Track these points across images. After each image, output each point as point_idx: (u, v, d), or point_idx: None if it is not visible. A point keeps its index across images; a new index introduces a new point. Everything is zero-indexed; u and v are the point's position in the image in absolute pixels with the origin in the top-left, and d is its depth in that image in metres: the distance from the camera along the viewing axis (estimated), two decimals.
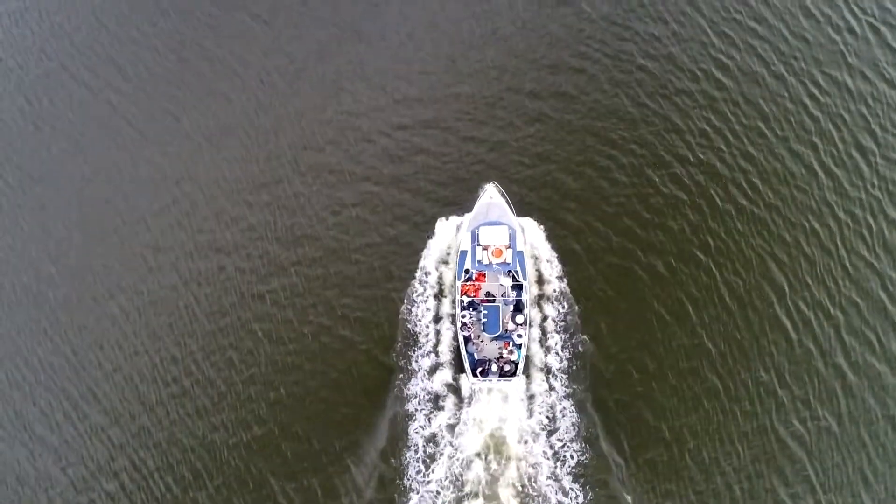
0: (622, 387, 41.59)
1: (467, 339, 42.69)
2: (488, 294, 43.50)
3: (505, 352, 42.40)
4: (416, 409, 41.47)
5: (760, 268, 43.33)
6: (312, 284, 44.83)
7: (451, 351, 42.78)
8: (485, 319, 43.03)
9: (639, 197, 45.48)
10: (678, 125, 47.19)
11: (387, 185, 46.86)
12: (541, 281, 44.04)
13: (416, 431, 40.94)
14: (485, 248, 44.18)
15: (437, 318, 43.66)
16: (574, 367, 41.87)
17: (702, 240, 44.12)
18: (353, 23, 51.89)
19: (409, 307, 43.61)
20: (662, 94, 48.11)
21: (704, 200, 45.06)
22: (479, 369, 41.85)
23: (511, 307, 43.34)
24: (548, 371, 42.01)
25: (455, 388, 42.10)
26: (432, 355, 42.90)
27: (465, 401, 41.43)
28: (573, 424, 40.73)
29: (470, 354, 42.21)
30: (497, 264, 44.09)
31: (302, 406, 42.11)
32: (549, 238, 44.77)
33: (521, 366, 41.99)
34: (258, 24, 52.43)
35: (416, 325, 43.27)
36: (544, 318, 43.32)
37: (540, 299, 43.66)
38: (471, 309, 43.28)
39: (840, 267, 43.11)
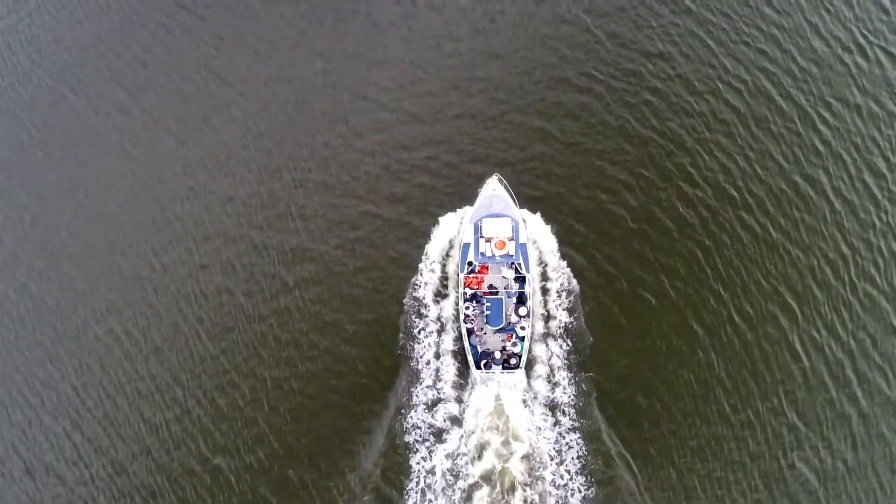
0: (630, 419, 41.21)
1: (470, 332, 42.83)
2: (491, 286, 43.66)
3: (508, 344, 42.46)
4: (417, 441, 41.14)
5: (772, 295, 42.87)
6: (314, 308, 44.56)
7: (453, 387, 42.42)
8: (488, 312, 43.10)
9: (648, 222, 45.15)
10: (688, 149, 46.96)
11: (389, 206, 46.73)
12: (548, 317, 43.65)
13: (417, 463, 40.75)
14: (488, 240, 44.32)
15: (438, 355, 43.10)
16: (580, 404, 41.40)
17: (713, 266, 43.75)
18: (356, 46, 52.02)
19: (410, 342, 43.30)
20: (672, 117, 47.91)
21: (715, 226, 44.71)
22: (483, 362, 41.80)
23: (514, 299, 43.45)
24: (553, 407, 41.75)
25: (457, 420, 41.58)
26: (432, 390, 42.43)
27: (466, 432, 40.95)
28: (578, 457, 40.42)
29: (473, 347, 42.29)
30: (500, 256, 44.17)
31: (305, 430, 41.86)
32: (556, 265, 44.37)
33: (524, 358, 42.10)
34: (262, 46, 52.54)
35: (417, 362, 42.84)
36: (550, 356, 42.84)
37: (546, 337, 43.33)
38: (474, 301, 43.34)
39: (852, 295, 42.64)
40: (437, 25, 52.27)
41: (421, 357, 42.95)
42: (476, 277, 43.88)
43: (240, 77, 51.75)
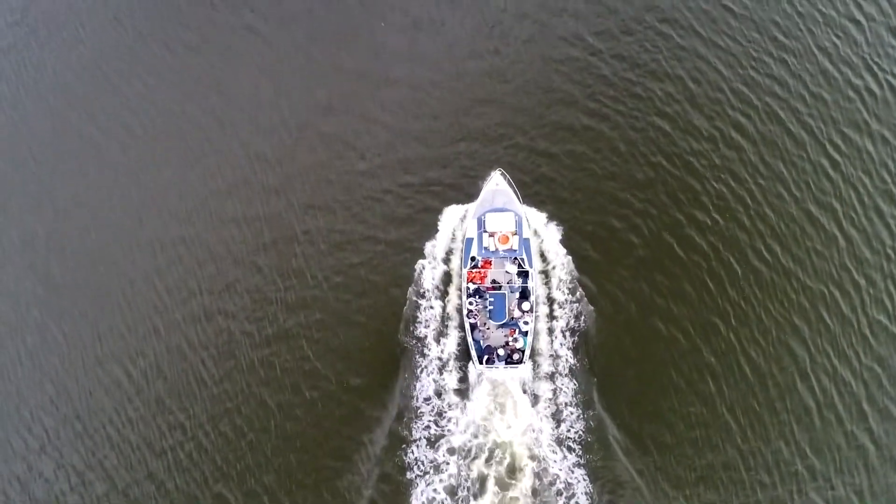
0: (637, 459, 40.75)
1: (473, 327, 43.05)
2: (494, 281, 43.86)
3: (511, 339, 42.57)
4: (418, 475, 40.81)
5: (779, 335, 42.68)
6: (316, 347, 44.15)
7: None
8: (491, 307, 43.27)
9: (654, 260, 44.85)
10: (698, 175, 46.80)
11: (392, 244, 46.29)
12: (556, 356, 43.39)
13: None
14: (491, 235, 44.58)
15: (439, 393, 42.76)
16: (589, 441, 41.25)
17: (719, 305, 43.50)
18: (358, 77, 51.72)
19: (412, 381, 42.97)
20: (681, 143, 47.71)
21: (721, 265, 44.49)
22: (486, 357, 41.89)
23: (517, 294, 43.61)
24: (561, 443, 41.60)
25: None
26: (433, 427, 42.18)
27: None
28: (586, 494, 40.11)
29: (476, 342, 42.55)
30: (504, 251, 44.36)
31: (308, 474, 41.55)
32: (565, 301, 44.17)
33: (527, 353, 42.28)
34: (264, 77, 52.24)
35: (416, 401, 42.38)
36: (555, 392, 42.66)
37: (553, 376, 42.99)
38: (477, 296, 43.47)
39: (860, 335, 42.46)
40: (441, 49, 52.19)
41: (419, 394, 42.62)
42: (479, 272, 44.12)
43: (242, 98, 51.54)
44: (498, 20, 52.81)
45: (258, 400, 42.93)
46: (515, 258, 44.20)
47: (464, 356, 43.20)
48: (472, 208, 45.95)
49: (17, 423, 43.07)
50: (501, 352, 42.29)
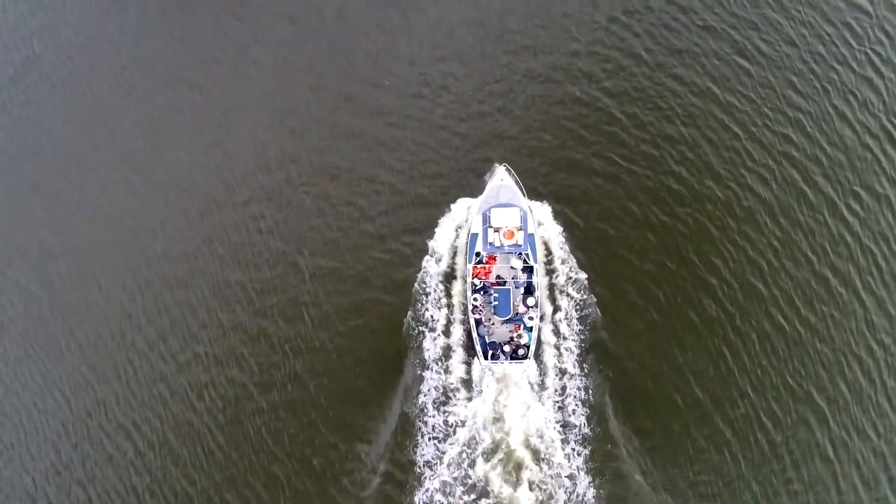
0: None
1: (478, 323, 43.58)
2: (499, 277, 44.56)
3: (515, 335, 43.20)
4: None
5: (801, 395, 42.58)
6: (317, 399, 44.17)
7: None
8: (495, 303, 43.96)
9: (673, 316, 44.79)
10: (713, 238, 46.63)
11: (393, 293, 46.08)
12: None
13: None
14: (496, 230, 45.29)
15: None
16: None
17: (740, 365, 43.42)
18: (362, 125, 51.81)
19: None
20: (696, 206, 47.52)
21: (741, 322, 44.40)
22: (491, 352, 42.42)
23: (522, 290, 44.33)
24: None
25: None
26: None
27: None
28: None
29: (481, 337, 43.28)
30: (509, 246, 44.89)
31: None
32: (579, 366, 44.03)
33: (532, 348, 42.87)
34: (264, 116, 52.54)
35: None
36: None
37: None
38: (482, 292, 44.06)
39: (884, 396, 42.37)
40: (445, 106, 52.16)
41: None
42: (484, 268, 44.79)
43: (243, 152, 51.58)
44: (504, 76, 52.87)
45: (266, 471, 42.88)
46: (520, 253, 44.81)
47: (469, 352, 43.86)
48: (476, 204, 46.45)
49: (21, 493, 42.98)
50: (507, 347, 42.97)
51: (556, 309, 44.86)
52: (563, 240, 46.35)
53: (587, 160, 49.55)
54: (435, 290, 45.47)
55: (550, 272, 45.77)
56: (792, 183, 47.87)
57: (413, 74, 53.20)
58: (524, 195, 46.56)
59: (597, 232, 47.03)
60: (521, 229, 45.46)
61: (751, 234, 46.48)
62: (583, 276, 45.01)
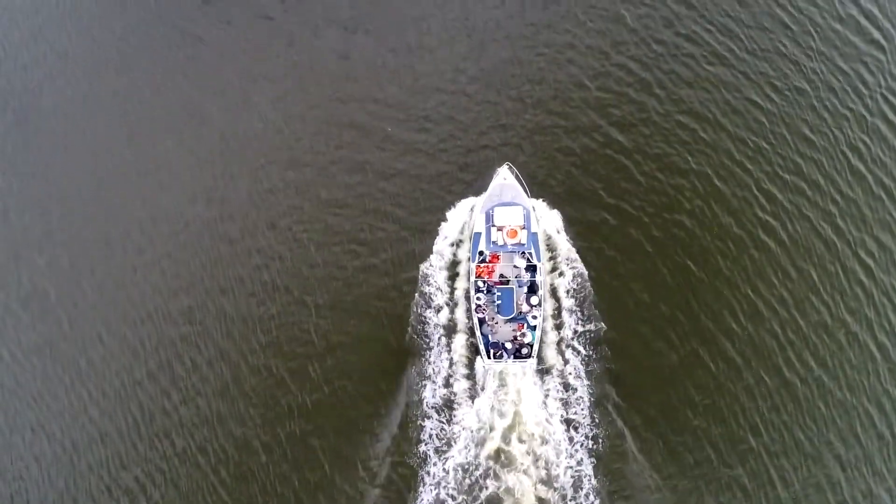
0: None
1: (481, 322, 44.08)
2: (502, 276, 44.95)
3: (519, 334, 43.65)
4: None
5: (813, 453, 42.65)
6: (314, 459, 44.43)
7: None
8: (499, 302, 44.28)
9: (684, 370, 44.66)
10: (723, 292, 46.21)
11: (396, 355, 45.75)
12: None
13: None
14: (499, 229, 45.59)
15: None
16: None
17: (751, 422, 43.53)
18: (365, 159, 51.49)
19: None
20: (706, 258, 47.09)
21: (751, 376, 44.36)
22: (494, 351, 42.82)
23: (525, 289, 44.71)
24: None
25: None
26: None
27: None
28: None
29: (484, 336, 43.70)
30: (512, 245, 45.17)
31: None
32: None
33: (535, 347, 43.42)
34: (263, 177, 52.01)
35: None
36: None
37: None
38: (485, 291, 44.35)
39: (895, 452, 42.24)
40: (448, 140, 51.71)
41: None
42: (487, 267, 45.22)
43: (245, 186, 51.53)
44: (510, 111, 52.30)
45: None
46: (524, 252, 44.99)
47: (472, 351, 44.48)
48: (479, 202, 46.61)
49: None
50: (509, 346, 43.28)
51: (566, 362, 44.87)
52: (574, 288, 46.09)
53: (596, 197, 49.13)
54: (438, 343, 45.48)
55: (558, 327, 45.58)
56: (802, 234, 47.51)
57: (417, 109, 52.57)
58: (527, 194, 46.81)
59: (607, 283, 46.71)
60: (524, 228, 45.78)
61: (762, 282, 46.30)
62: (597, 325, 44.94)
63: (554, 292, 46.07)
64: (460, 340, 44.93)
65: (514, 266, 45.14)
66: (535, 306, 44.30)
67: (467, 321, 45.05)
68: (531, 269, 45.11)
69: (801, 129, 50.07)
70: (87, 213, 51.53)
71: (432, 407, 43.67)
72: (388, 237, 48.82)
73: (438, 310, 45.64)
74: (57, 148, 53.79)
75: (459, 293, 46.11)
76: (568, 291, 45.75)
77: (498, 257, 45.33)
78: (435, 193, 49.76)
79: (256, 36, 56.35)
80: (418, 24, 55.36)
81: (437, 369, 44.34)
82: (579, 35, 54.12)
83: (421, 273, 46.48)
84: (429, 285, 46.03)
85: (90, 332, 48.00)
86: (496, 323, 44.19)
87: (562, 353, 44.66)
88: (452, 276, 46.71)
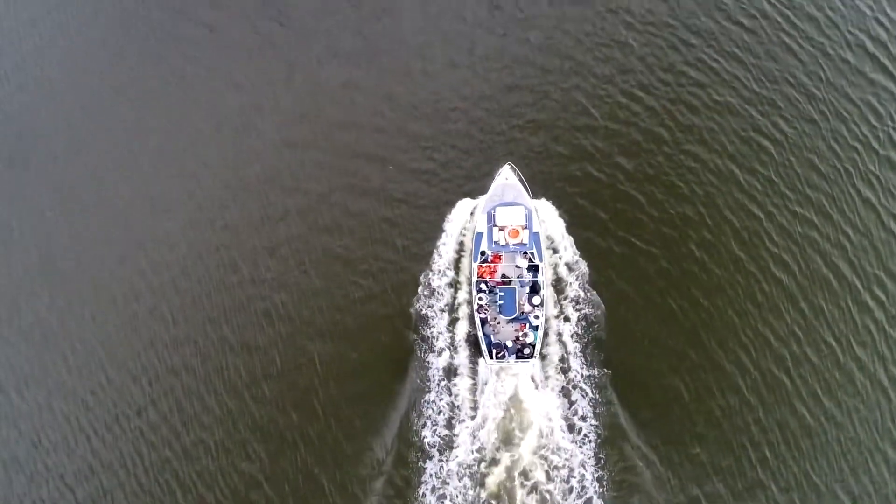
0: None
1: (483, 322, 44.32)
2: (504, 276, 45.13)
3: (521, 334, 43.89)
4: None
5: (825, 490, 42.31)
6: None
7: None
8: (501, 302, 44.40)
9: (695, 405, 44.35)
10: (734, 327, 45.93)
11: (396, 401, 45.29)
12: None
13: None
14: (501, 229, 45.72)
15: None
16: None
17: (761, 458, 43.10)
18: (368, 207, 50.97)
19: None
20: (716, 292, 46.78)
21: (763, 412, 43.99)
22: (496, 352, 42.93)
23: (527, 289, 44.93)
24: None
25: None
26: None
27: None
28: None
29: (487, 336, 43.78)
30: (514, 245, 45.35)
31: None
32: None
33: (538, 347, 43.62)
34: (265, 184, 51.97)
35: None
36: None
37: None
38: (487, 291, 44.66)
39: None
40: (451, 181, 51.42)
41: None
42: (489, 267, 45.37)
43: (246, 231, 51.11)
44: (514, 151, 51.96)
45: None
46: (526, 252, 45.11)
47: (474, 351, 44.74)
48: (481, 202, 46.81)
49: None
50: (511, 345, 43.37)
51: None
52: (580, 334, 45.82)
53: (604, 229, 48.87)
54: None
55: (564, 371, 45.29)
56: (814, 268, 47.26)
57: (420, 138, 52.49)
58: (529, 194, 46.87)
59: (617, 316, 46.38)
60: (526, 228, 45.88)
61: (772, 321, 45.98)
62: (602, 371, 44.68)
63: (560, 335, 45.83)
64: (465, 384, 44.66)
65: (516, 266, 45.40)
66: (538, 306, 44.49)
67: (470, 365, 44.86)
68: (533, 268, 45.38)
69: (811, 162, 49.93)
70: (87, 241, 51.36)
71: (432, 446, 43.36)
72: (390, 266, 48.59)
73: (440, 353, 45.27)
74: (54, 178, 53.77)
75: (459, 336, 45.87)
76: (573, 334, 45.51)
77: (500, 257, 45.58)
78: (437, 224, 49.53)
79: (258, 62, 56.07)
80: (423, 51, 55.21)
81: (437, 409, 44.08)
82: (586, 63, 53.96)
83: (418, 306, 46.38)
84: (429, 327, 45.79)
85: (92, 363, 47.59)
86: (498, 323, 44.37)
87: (568, 393, 44.40)
88: (453, 322, 46.32)
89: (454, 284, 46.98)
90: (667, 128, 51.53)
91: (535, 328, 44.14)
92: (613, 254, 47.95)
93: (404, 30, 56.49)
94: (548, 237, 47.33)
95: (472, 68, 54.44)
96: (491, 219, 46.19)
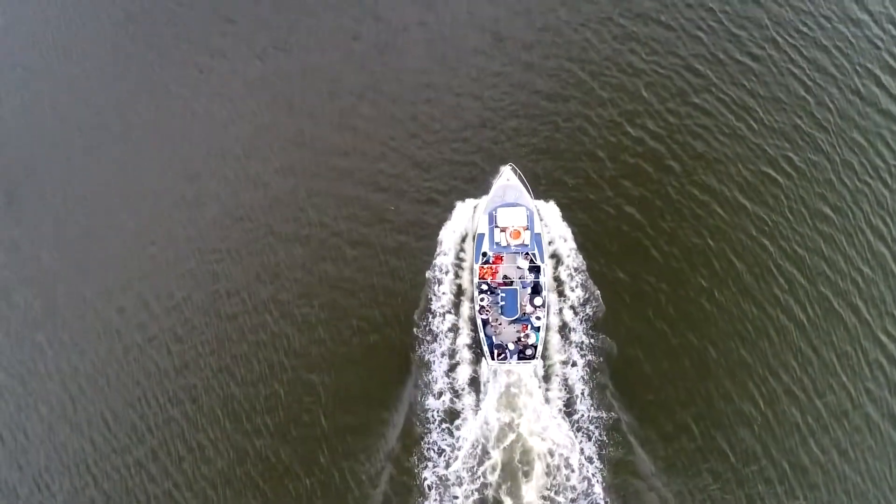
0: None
1: (485, 323, 44.50)
2: (506, 277, 45.43)
3: (523, 335, 44.14)
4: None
5: None
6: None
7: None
8: (502, 303, 44.52)
9: (701, 455, 44.00)
10: (741, 376, 45.53)
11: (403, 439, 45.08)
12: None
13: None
14: (503, 230, 45.89)
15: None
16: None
17: (772, 492, 43.04)
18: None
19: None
20: (722, 339, 46.44)
21: (769, 463, 43.60)
22: (498, 353, 42.91)
23: (529, 290, 45.14)
24: None
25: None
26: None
27: None
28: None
29: (488, 337, 43.96)
30: (515, 246, 45.57)
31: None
32: None
33: (539, 348, 43.84)
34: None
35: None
36: None
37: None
38: (488, 292, 44.72)
39: None
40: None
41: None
42: (491, 268, 45.68)
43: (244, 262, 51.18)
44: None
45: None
46: (527, 253, 45.29)
47: (476, 352, 44.94)
48: (482, 203, 47.03)
49: None
50: (513, 347, 43.48)
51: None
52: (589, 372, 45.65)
53: (610, 273, 48.42)
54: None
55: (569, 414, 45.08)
56: (823, 310, 46.95)
57: (421, 179, 52.49)
58: (530, 195, 47.10)
59: (620, 365, 46.03)
60: (527, 229, 46.20)
61: (780, 365, 45.68)
62: (610, 413, 44.40)
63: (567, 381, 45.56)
64: (469, 427, 44.24)
65: (518, 267, 45.67)
66: (539, 307, 44.80)
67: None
68: (535, 269, 45.72)
69: (818, 205, 49.73)
70: (87, 289, 51.24)
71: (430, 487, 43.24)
72: (393, 313, 48.30)
73: (439, 395, 45.06)
74: (53, 222, 53.97)
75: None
76: (581, 378, 45.10)
77: (501, 258, 45.97)
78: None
79: (258, 102, 56.11)
80: (427, 90, 55.11)
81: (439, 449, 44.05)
82: (591, 104, 53.80)
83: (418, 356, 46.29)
84: (431, 371, 45.62)
85: (93, 413, 47.57)
86: (500, 324, 44.57)
87: (572, 437, 44.03)
88: (453, 366, 46.04)
89: (454, 329, 46.78)
90: (671, 171, 51.46)
91: (537, 329, 44.33)
92: (617, 298, 47.62)
93: (407, 63, 56.67)
94: (537, 208, 47.53)
95: (477, 106, 54.43)
96: (492, 220, 46.52)
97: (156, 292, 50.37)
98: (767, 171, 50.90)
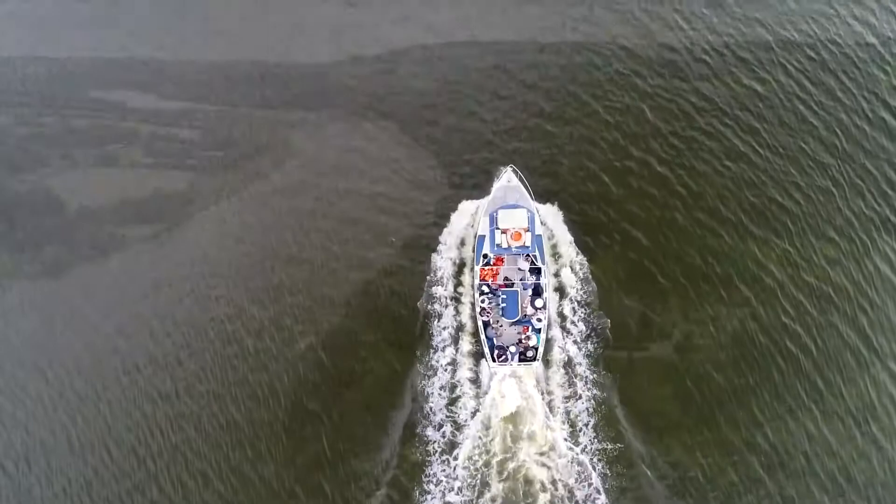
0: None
1: (486, 325, 44.51)
2: (507, 279, 45.51)
3: (524, 337, 44.01)
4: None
5: None
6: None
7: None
8: (503, 304, 44.77)
9: (709, 484, 43.14)
10: (748, 404, 44.96)
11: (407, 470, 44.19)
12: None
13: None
14: (504, 232, 46.31)
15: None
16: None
17: None
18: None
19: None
20: (729, 368, 45.95)
21: (778, 493, 42.63)
22: (499, 355, 43.35)
23: (530, 291, 45.17)
24: None
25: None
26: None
27: None
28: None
29: (489, 339, 43.92)
30: (516, 247, 45.82)
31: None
32: None
33: (540, 350, 43.75)
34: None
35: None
36: None
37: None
38: (489, 294, 44.84)
39: None
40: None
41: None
42: (491, 270, 45.80)
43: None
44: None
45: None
46: (528, 255, 45.52)
47: (477, 354, 44.73)
48: (483, 205, 47.31)
49: None
50: (514, 349, 43.38)
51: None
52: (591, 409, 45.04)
53: (615, 299, 48.15)
54: None
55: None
56: (831, 338, 46.41)
57: (421, 203, 52.65)
58: (531, 196, 47.34)
59: (627, 393, 45.54)
60: (528, 230, 46.48)
61: (788, 394, 45.14)
62: (616, 444, 43.77)
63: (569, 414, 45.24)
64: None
65: (519, 269, 45.80)
66: (540, 309, 44.73)
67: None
68: (535, 271, 45.77)
69: (826, 232, 49.55)
70: (87, 314, 51.12)
71: None
72: (394, 339, 47.92)
73: (439, 427, 44.35)
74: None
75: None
76: (588, 409, 44.74)
77: (502, 260, 46.08)
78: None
79: (257, 122, 56.16)
80: (428, 113, 55.10)
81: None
82: (595, 128, 53.78)
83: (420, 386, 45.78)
84: (428, 402, 45.01)
85: (93, 440, 46.96)
86: (501, 326, 44.51)
87: (574, 469, 43.28)
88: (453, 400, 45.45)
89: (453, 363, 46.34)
90: (677, 195, 51.36)
91: (538, 331, 44.33)
92: (623, 325, 47.32)
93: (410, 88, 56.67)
94: (538, 209, 47.67)
95: (479, 129, 54.50)
96: (493, 221, 46.90)
97: (155, 315, 50.18)
98: (774, 197, 50.86)
